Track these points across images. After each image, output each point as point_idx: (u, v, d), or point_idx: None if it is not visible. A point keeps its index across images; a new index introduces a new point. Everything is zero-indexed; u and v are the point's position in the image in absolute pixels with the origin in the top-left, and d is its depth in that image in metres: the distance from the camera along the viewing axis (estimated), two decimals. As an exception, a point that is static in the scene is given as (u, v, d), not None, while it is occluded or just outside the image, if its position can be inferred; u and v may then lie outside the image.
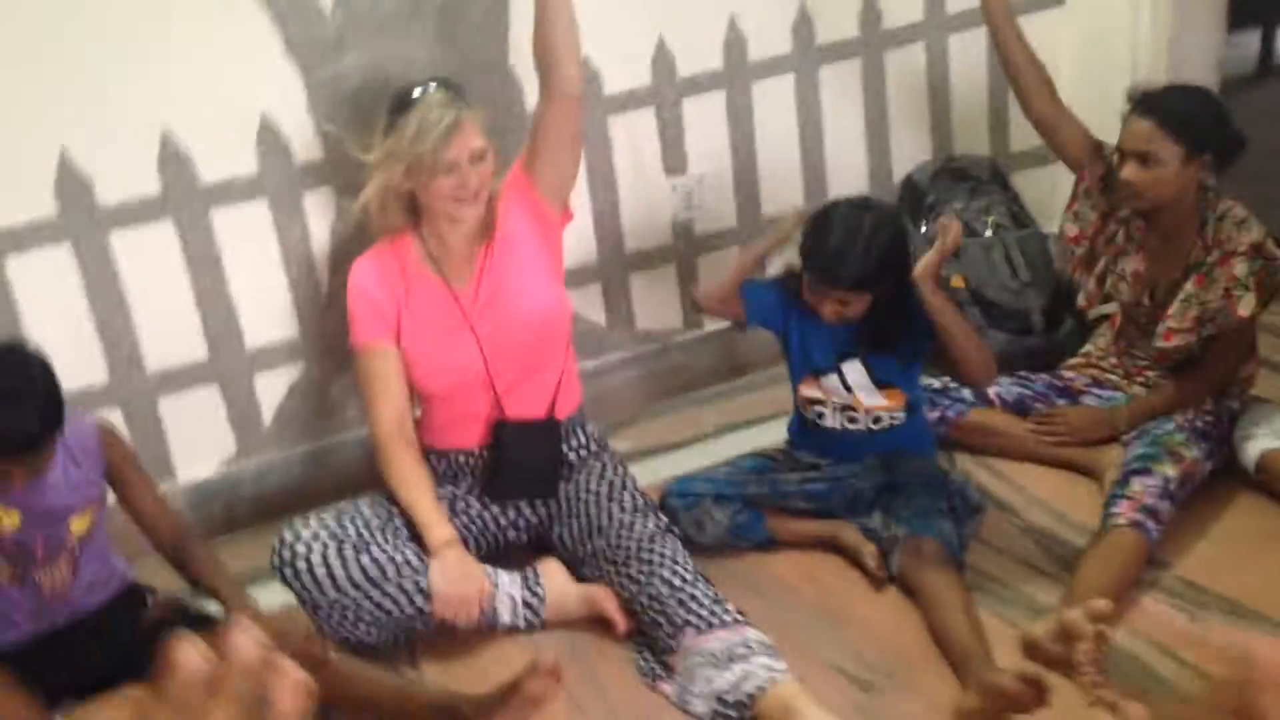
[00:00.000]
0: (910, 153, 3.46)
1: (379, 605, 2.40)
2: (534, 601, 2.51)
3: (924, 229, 3.28)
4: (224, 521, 2.95)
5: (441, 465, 2.65)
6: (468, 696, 2.18)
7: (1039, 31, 3.07)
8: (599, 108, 3.06)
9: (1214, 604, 2.33)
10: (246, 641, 0.52)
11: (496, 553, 2.63)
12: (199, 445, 2.95)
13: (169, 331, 2.84)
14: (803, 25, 3.23)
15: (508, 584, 2.50)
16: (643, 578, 2.39)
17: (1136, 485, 2.45)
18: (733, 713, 2.16)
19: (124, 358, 2.82)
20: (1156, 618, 2.18)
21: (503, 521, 2.66)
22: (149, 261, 2.78)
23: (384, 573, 2.41)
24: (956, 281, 3.21)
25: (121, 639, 2.26)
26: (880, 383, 2.58)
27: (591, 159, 3.08)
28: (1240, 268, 2.52)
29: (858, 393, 2.58)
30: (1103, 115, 2.72)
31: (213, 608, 2.32)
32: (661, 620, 2.33)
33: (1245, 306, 2.54)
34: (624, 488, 2.60)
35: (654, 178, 3.21)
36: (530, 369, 2.60)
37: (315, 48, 2.78)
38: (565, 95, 2.54)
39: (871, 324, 2.52)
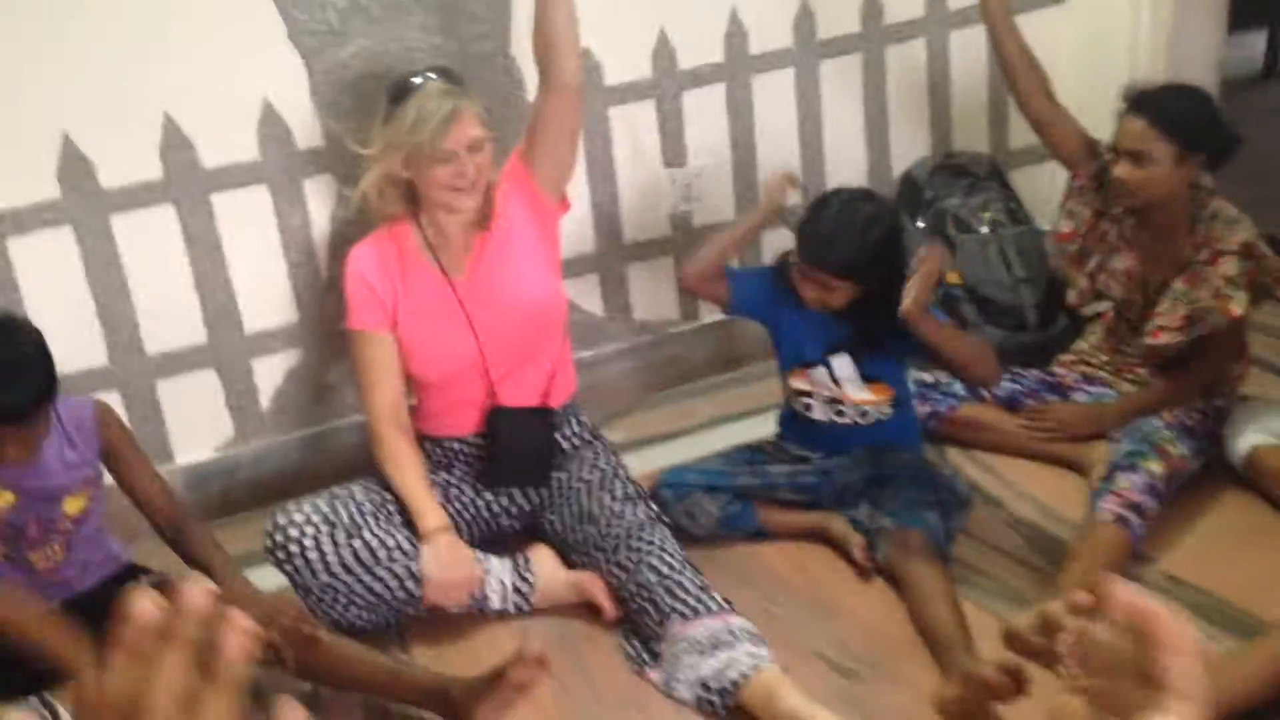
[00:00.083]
0: (909, 148, 3.47)
1: (370, 589, 2.43)
2: (524, 587, 2.53)
3: (920, 224, 3.30)
4: (220, 505, 2.98)
5: (435, 452, 2.67)
6: (456, 680, 2.20)
7: (1039, 30, 3.09)
8: (599, 99, 3.08)
9: (1199, 600, 2.34)
10: (198, 592, 0.55)
11: (489, 539, 2.66)
12: (197, 429, 2.97)
13: (168, 315, 2.87)
14: (804, 20, 3.25)
15: (498, 570, 2.53)
16: (631, 565, 2.41)
17: (1123, 481, 2.47)
18: (716, 699, 2.19)
19: (123, 341, 2.85)
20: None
21: (495, 508, 2.69)
22: (150, 245, 2.81)
23: (375, 557, 2.43)
24: (954, 278, 3.23)
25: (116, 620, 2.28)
26: (868, 377, 2.59)
27: (591, 150, 3.10)
28: (1230, 267, 2.53)
29: (845, 386, 2.60)
30: (1102, 114, 2.73)
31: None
32: (649, 607, 2.35)
33: (1237, 306, 2.55)
34: (615, 476, 2.62)
35: (653, 170, 3.22)
36: (525, 357, 2.62)
37: (318, 35, 2.81)
38: (564, 87, 2.56)
39: (861, 321, 2.53)
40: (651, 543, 2.44)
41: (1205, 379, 2.67)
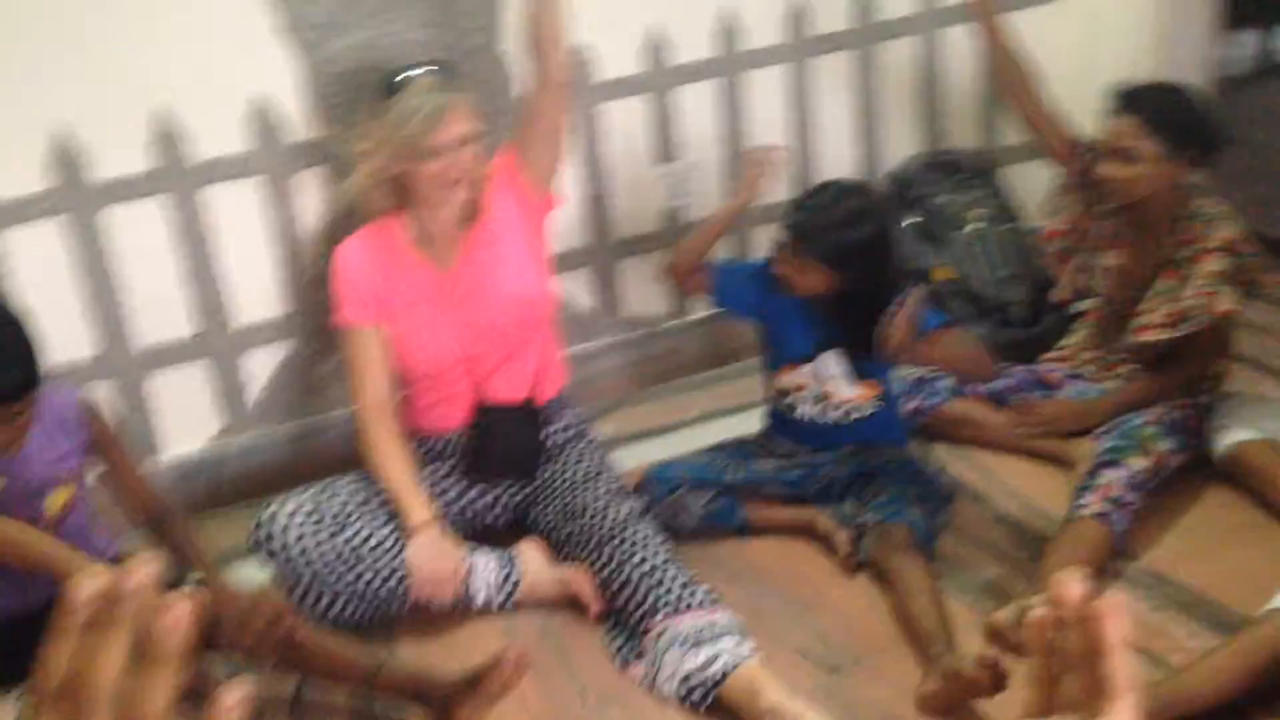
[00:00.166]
0: (900, 145, 3.47)
1: (356, 583, 2.43)
2: (510, 583, 2.54)
3: (909, 220, 3.31)
4: (208, 498, 2.97)
5: (423, 447, 2.68)
6: (439, 677, 2.21)
7: (1032, 28, 3.10)
8: (591, 94, 3.08)
9: (1180, 595, 2.35)
10: (139, 574, 0.55)
11: (476, 534, 2.66)
12: (185, 421, 2.98)
13: (158, 308, 2.87)
14: (795, 16, 3.25)
15: (484, 565, 2.53)
16: (616, 561, 2.42)
17: (1106, 477, 2.47)
18: (698, 693, 2.19)
19: (112, 333, 2.85)
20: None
21: (482, 504, 2.69)
22: (139, 238, 2.81)
23: (361, 551, 2.44)
24: (948, 273, 3.23)
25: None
26: (862, 374, 2.60)
27: (583, 145, 3.10)
28: (1215, 264, 2.54)
29: (835, 383, 2.60)
30: (1094, 112, 2.74)
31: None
32: (634, 602, 2.36)
33: (1224, 302, 2.55)
34: (601, 472, 2.62)
35: (644, 165, 3.23)
36: (512, 352, 2.62)
37: (309, 29, 2.81)
38: (554, 82, 2.56)
39: (846, 324, 2.53)
40: (636, 538, 2.44)
41: (1191, 375, 2.68)
